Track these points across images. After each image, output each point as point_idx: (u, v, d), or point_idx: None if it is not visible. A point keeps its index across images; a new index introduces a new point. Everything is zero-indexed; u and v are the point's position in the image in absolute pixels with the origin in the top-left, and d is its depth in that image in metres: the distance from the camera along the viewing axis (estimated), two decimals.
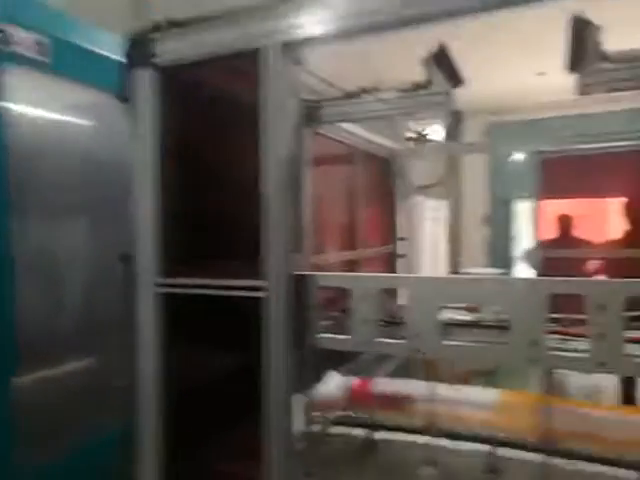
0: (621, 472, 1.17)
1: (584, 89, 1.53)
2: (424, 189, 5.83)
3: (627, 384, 2.43)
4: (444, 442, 1.38)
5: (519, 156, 5.94)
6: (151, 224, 1.18)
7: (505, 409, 1.23)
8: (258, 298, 1.06)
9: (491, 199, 6.23)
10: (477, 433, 1.37)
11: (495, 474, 1.22)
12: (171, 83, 1.18)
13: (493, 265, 5.00)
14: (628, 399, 2.25)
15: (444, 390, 1.29)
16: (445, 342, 1.02)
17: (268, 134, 1.07)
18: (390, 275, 1.06)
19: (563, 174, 2.85)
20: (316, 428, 1.44)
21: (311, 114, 1.80)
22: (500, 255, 5.64)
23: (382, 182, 2.93)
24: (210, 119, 1.18)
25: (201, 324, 1.18)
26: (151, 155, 1.20)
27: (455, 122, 6.40)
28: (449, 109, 1.61)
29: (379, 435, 1.42)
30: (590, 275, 2.88)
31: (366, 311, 1.06)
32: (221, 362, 1.17)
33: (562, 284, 0.94)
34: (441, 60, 1.61)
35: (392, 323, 1.15)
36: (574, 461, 1.23)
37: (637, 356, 0.89)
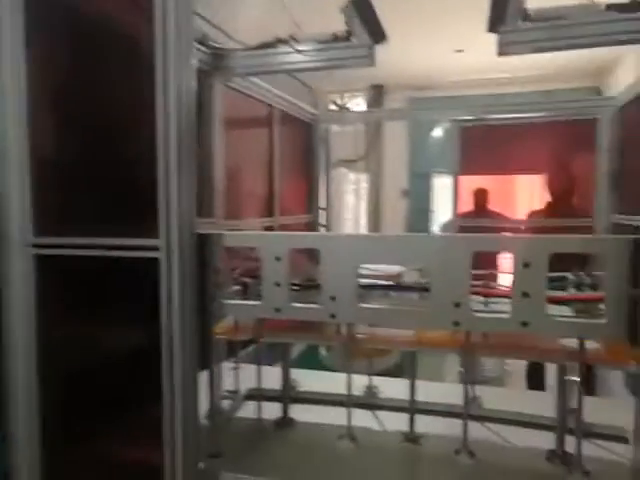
0: None
1: (504, 49, 1.49)
2: (346, 163, 5.81)
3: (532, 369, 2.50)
4: (363, 413, 1.32)
5: (438, 133, 6.12)
6: (21, 175, 0.99)
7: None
8: (154, 260, 0.92)
9: (410, 174, 6.33)
10: (396, 403, 1.33)
11: (415, 443, 1.17)
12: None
13: None
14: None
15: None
16: (363, 305, 0.93)
17: (166, 78, 0.91)
18: (302, 233, 0.95)
19: (481, 151, 2.88)
20: (225, 404, 1.34)
21: (220, 63, 1.64)
22: (419, 228, 5.77)
23: (304, 148, 2.81)
24: (94, 57, 1.00)
25: (88, 291, 1.02)
26: (17, 97, 1.00)
27: (376, 95, 6.41)
28: (370, 63, 1.52)
29: (294, 409, 1.33)
30: None
31: (277, 273, 0.96)
32: (114, 335, 1.02)
33: (486, 241, 0.88)
34: (362, 9, 1.50)
35: (307, 287, 1.05)
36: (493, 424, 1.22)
37: (560, 316, 0.86)
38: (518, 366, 2.91)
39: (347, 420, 1.12)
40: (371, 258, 0.93)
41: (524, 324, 0.85)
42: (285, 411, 1.29)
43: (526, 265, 0.84)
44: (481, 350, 1.07)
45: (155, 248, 0.92)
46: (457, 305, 0.88)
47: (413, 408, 1.19)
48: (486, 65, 4.50)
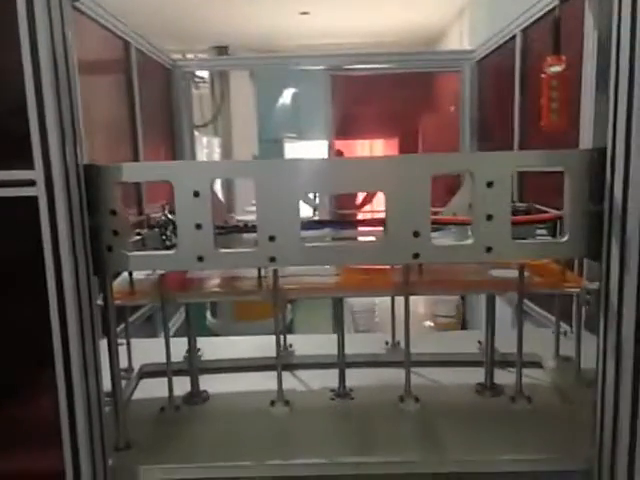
0: None
1: None
2: (197, 128, 5.48)
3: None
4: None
5: (286, 100, 6.05)
6: None
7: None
8: (31, 199, 0.66)
9: (260, 140, 6.19)
10: (315, 360, 1.21)
11: (348, 397, 1.07)
12: None
13: None
14: None
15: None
16: (309, 244, 0.79)
17: None
18: (227, 160, 0.77)
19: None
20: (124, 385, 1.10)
21: None
22: None
23: (164, 103, 2.51)
24: None
25: None
26: None
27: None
28: None
29: (205, 381, 1.15)
30: (359, 207, 2.96)
31: (196, 213, 0.76)
32: None
33: (447, 160, 0.78)
34: None
35: (237, 230, 0.88)
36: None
37: (521, 239, 0.80)
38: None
39: (278, 383, 0.98)
40: (316, 186, 0.78)
41: (488, 250, 0.78)
42: (194, 384, 1.10)
43: (489, 184, 0.76)
44: (418, 288, 0.99)
45: (31, 183, 0.66)
46: (416, 235, 0.77)
47: (342, 362, 1.09)
48: (331, 30, 4.48)
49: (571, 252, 0.79)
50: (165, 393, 1.02)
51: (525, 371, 1.17)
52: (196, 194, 0.76)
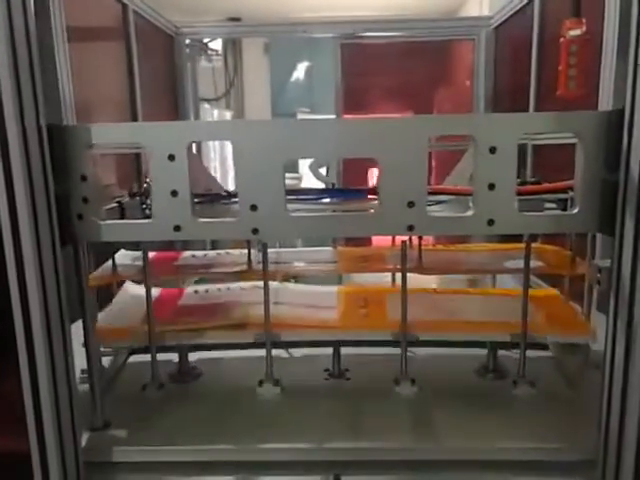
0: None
1: None
2: (209, 101, 5.40)
3: None
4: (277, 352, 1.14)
5: (300, 74, 5.92)
6: None
7: (349, 307, 1.01)
8: None
9: (272, 113, 6.09)
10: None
11: (343, 378, 1.02)
12: None
13: None
14: None
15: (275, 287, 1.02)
16: (294, 214, 0.73)
17: None
18: (204, 122, 0.70)
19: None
20: (108, 362, 1.07)
21: None
22: (287, 167, 5.57)
23: (167, 74, 2.43)
24: None
25: None
26: None
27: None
28: None
29: (195, 357, 1.10)
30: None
31: (172, 178, 0.70)
32: None
33: (447, 121, 0.71)
34: None
35: (218, 198, 0.82)
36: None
37: (528, 211, 0.73)
38: None
39: (267, 362, 0.93)
40: (301, 150, 0.72)
41: (490, 222, 0.71)
42: (182, 361, 1.06)
43: (492, 150, 0.69)
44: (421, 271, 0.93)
45: None
46: (411, 204, 0.71)
47: (337, 341, 1.03)
48: (347, 2, 4.31)
49: (581, 226, 0.71)
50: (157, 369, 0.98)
51: (531, 353, 1.11)
52: (171, 158, 0.70)
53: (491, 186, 0.70)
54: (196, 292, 1.10)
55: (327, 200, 0.90)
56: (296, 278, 1.13)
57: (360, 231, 0.74)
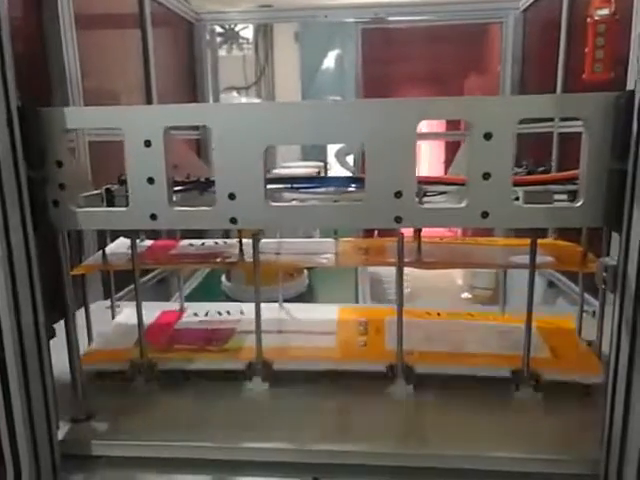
0: None
1: None
2: (239, 90, 5.39)
3: None
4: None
5: (330, 62, 5.84)
6: None
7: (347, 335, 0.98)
8: None
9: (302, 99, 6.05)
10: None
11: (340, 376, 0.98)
12: None
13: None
14: None
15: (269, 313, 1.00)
16: (274, 204, 0.69)
17: None
18: (183, 105, 0.67)
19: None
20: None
21: None
22: (315, 154, 5.54)
23: (186, 62, 2.41)
24: None
25: None
26: None
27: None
28: None
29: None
30: None
31: (148, 165, 0.68)
32: None
33: (435, 105, 0.65)
34: None
35: (196, 186, 0.79)
36: None
37: (535, 203, 0.67)
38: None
39: (257, 354, 0.90)
40: (283, 136, 0.67)
41: (484, 214, 0.66)
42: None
43: (487, 136, 0.64)
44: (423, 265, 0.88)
45: None
46: (398, 195, 0.66)
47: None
48: None
49: (585, 220, 0.65)
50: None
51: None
52: (147, 144, 0.67)
53: (486, 175, 0.65)
54: (196, 315, 1.09)
55: (322, 189, 0.86)
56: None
57: (344, 223, 0.69)
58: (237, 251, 0.98)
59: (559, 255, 0.91)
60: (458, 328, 0.99)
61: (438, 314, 1.05)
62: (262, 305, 0.87)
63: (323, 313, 1.09)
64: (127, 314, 1.07)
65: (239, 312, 1.08)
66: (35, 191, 0.68)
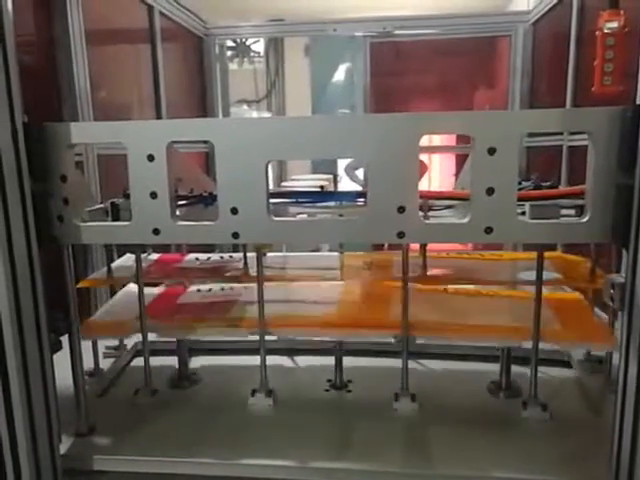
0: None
1: None
2: (250, 103, 5.43)
3: None
4: (280, 359, 1.10)
5: (340, 75, 5.88)
6: None
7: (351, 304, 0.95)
8: None
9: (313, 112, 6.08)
10: (318, 345, 1.12)
11: (344, 389, 0.97)
12: None
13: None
14: None
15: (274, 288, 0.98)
16: (277, 219, 0.69)
17: None
18: (183, 120, 0.67)
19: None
20: (107, 364, 1.06)
21: None
22: (325, 167, 5.55)
23: (196, 76, 2.44)
24: None
25: None
26: None
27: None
28: None
29: (196, 363, 1.08)
30: None
31: (151, 179, 0.68)
32: None
33: (441, 119, 0.65)
34: None
35: (199, 200, 0.79)
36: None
37: (542, 218, 0.66)
38: None
39: (261, 370, 0.89)
40: (286, 151, 0.67)
41: (488, 230, 0.65)
42: (181, 366, 1.03)
43: (491, 151, 0.63)
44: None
45: None
46: (401, 210, 0.65)
47: (339, 349, 0.98)
48: (390, 2, 4.22)
49: (592, 235, 0.64)
50: (157, 373, 0.96)
51: (552, 371, 1.03)
52: (150, 158, 0.68)
53: (489, 190, 0.64)
54: (199, 291, 1.08)
55: (329, 204, 0.86)
56: None
57: (346, 238, 0.69)
58: (242, 265, 0.98)
59: (566, 270, 0.90)
60: (467, 301, 0.96)
61: (445, 290, 1.00)
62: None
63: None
64: (130, 288, 1.06)
65: (242, 287, 1.05)
66: (39, 205, 0.68)
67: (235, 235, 0.69)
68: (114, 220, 0.82)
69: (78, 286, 0.88)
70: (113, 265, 1.02)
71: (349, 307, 0.94)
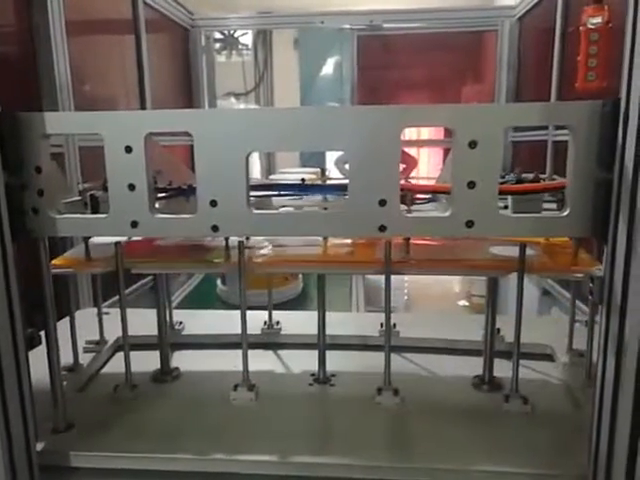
0: None
1: None
2: (238, 96, 5.39)
3: None
4: (264, 354, 1.10)
5: (329, 69, 5.86)
6: None
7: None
8: None
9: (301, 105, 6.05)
10: (301, 339, 1.11)
11: (327, 383, 0.97)
12: None
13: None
14: None
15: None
16: (257, 211, 0.68)
17: None
18: (161, 111, 0.66)
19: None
20: (87, 359, 1.04)
21: None
22: (314, 161, 5.52)
23: (181, 68, 2.41)
24: None
25: None
26: None
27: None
28: None
29: (178, 358, 1.07)
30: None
31: (129, 171, 0.67)
32: None
33: (421, 112, 0.64)
34: None
35: (179, 192, 0.78)
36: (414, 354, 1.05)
37: (524, 212, 0.66)
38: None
39: (243, 364, 0.89)
40: (267, 142, 0.66)
41: (469, 224, 0.65)
42: (163, 361, 1.02)
43: (472, 144, 0.63)
44: (407, 268, 0.86)
45: None
46: (383, 203, 0.65)
47: (323, 344, 0.98)
48: None
49: (572, 230, 0.64)
50: (138, 368, 0.95)
51: (534, 365, 1.04)
52: (128, 150, 0.66)
53: (470, 184, 0.63)
54: None
55: (311, 196, 0.85)
56: None
57: (327, 231, 0.68)
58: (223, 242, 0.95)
59: (549, 250, 0.88)
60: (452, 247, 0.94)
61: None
62: None
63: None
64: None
65: None
66: (13, 197, 0.67)
67: (215, 228, 0.68)
68: (93, 212, 0.81)
69: (53, 262, 0.86)
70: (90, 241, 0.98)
71: (335, 249, 0.92)
